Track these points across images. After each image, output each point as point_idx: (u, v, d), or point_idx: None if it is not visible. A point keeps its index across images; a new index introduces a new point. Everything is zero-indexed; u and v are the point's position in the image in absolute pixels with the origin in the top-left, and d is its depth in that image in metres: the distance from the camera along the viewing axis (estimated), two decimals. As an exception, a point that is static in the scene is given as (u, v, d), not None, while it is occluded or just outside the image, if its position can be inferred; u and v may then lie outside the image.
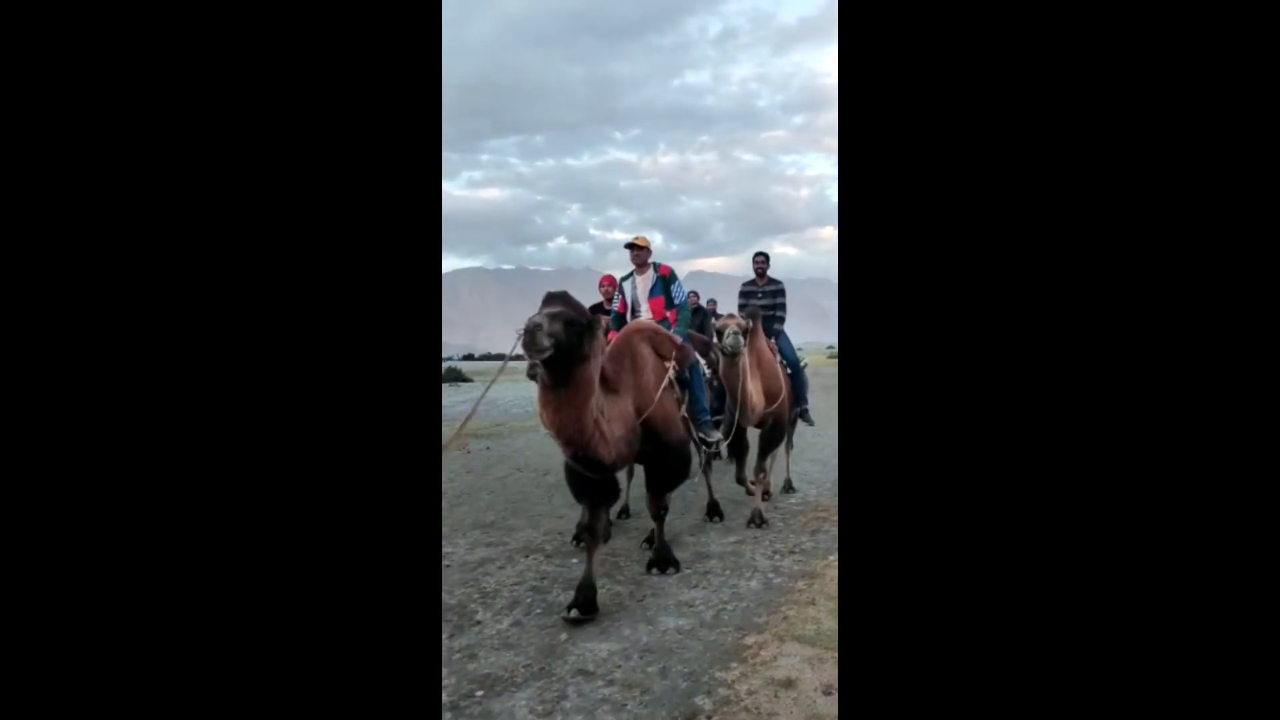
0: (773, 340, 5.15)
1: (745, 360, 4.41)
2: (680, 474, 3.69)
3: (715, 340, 4.43)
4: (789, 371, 5.17)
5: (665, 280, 4.31)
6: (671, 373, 3.64)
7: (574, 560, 4.01)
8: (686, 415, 3.82)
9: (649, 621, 3.05)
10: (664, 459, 3.58)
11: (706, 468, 5.03)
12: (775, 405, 4.78)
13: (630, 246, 4.37)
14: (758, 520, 4.67)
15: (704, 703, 2.34)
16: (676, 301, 4.28)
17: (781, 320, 5.47)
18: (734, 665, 2.60)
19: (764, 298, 5.47)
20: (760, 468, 4.85)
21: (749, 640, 2.81)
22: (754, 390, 4.50)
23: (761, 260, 5.63)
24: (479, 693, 2.45)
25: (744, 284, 5.75)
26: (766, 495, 5.02)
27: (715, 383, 4.78)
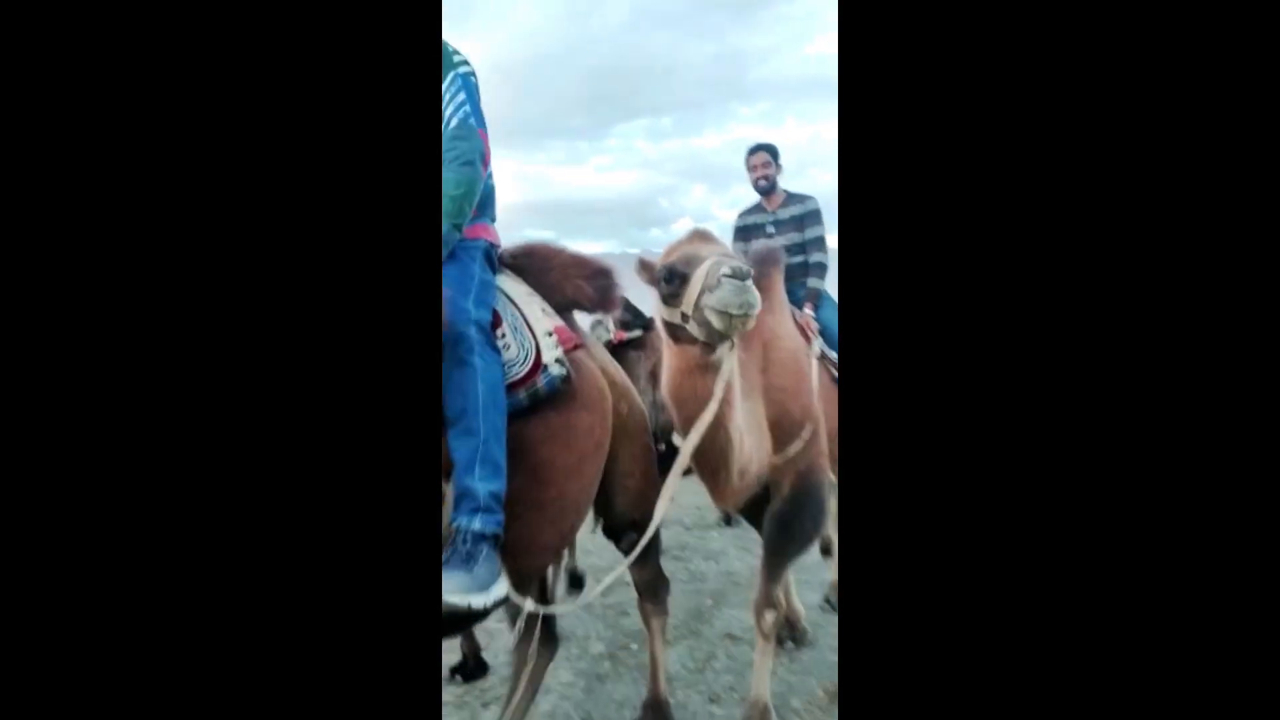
0: (807, 311, 2.56)
1: (734, 362, 1.75)
2: None
3: (664, 312, 1.74)
4: (836, 372, 2.32)
5: None
6: None
7: (713, 533, 4.13)
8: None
9: (789, 596, 3.12)
10: None
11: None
12: (799, 449, 2.04)
13: None
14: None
15: (852, 676, 2.38)
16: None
17: (821, 271, 2.73)
18: (880, 644, 2.62)
19: (778, 230, 2.77)
20: (767, 592, 2.14)
21: (895, 622, 2.81)
22: (745, 424, 1.86)
23: (764, 161, 2.78)
24: (633, 645, 2.64)
25: (742, 213, 2.95)
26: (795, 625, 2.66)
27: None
